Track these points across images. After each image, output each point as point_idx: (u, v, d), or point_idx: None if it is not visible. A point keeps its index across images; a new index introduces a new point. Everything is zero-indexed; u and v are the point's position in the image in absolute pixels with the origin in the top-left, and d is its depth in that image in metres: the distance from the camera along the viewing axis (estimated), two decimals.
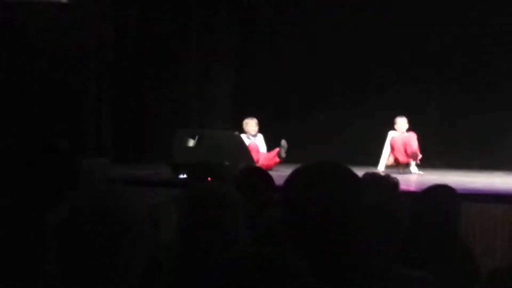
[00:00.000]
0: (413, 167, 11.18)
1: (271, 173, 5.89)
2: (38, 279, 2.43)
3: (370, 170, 10.60)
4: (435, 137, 12.40)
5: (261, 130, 11.31)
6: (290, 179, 2.10)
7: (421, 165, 11.24)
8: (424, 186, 3.97)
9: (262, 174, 4.78)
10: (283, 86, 13.35)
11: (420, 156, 10.97)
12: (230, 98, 13.95)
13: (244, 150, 9.45)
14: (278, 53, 13.51)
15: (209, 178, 5.07)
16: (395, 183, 2.45)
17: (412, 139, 11.05)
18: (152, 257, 2.74)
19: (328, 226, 1.95)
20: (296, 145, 12.29)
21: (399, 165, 11.10)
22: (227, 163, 8.81)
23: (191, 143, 9.43)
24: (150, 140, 12.47)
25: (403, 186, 8.47)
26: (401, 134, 11.15)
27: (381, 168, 11.01)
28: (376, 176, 2.48)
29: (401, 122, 11.20)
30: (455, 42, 12.85)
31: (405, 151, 10.99)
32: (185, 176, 8.58)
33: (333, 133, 13.00)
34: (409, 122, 11.25)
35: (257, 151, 10.74)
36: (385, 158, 11.17)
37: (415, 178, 10.62)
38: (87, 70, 11.32)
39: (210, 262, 2.59)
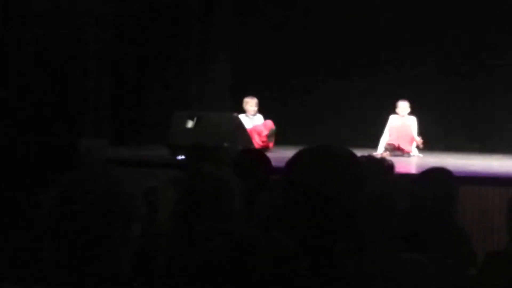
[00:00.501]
0: (413, 150, 11.14)
1: (269, 154, 5.88)
2: (31, 261, 2.42)
3: (368, 152, 10.73)
4: (435, 120, 12.38)
5: (260, 111, 11.28)
6: (292, 161, 2.07)
7: (420, 148, 11.22)
8: (423, 169, 3.96)
9: (259, 156, 4.77)
10: (283, 67, 13.29)
11: (421, 141, 10.94)
12: (229, 79, 13.91)
13: (243, 132, 9.44)
14: (278, 33, 13.46)
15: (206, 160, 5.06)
16: (390, 166, 2.44)
17: (412, 125, 11.03)
18: (148, 240, 2.74)
19: (327, 211, 1.93)
20: (296, 126, 12.31)
21: (399, 151, 11.04)
22: (225, 144, 8.81)
23: (190, 124, 9.42)
24: (149, 121, 12.44)
25: (401, 169, 8.52)
26: (401, 118, 11.12)
27: (379, 152, 10.98)
28: (371, 159, 2.46)
29: (402, 106, 11.16)
30: (457, 24, 12.79)
31: (404, 139, 10.95)
32: (182, 157, 8.57)
33: (333, 115, 12.98)
34: (411, 105, 11.23)
35: (259, 132, 10.74)
36: (384, 142, 11.13)
37: (414, 161, 10.60)
38: (86, 50, 11.28)
39: (206, 245, 2.58)
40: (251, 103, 11.14)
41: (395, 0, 12.92)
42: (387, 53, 12.96)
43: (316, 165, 1.99)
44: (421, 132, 11.15)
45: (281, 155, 9.65)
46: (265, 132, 10.78)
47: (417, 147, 11.15)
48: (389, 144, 11.02)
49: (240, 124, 9.62)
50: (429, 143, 11.60)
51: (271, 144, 10.78)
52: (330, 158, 2.02)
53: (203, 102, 12.89)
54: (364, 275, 2.01)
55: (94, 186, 1.99)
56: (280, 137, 11.22)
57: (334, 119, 12.91)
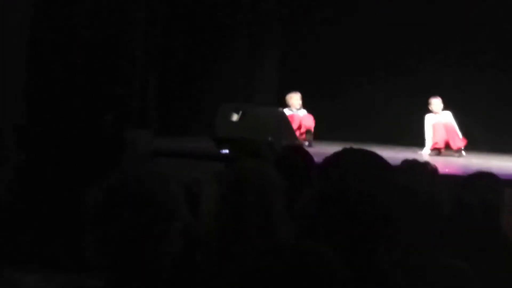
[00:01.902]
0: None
1: (312, 150, 5.86)
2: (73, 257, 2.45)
3: (409, 150, 10.71)
4: (481, 120, 12.24)
5: (304, 106, 11.32)
6: (330, 161, 2.10)
7: (466, 148, 11.11)
8: (467, 169, 3.93)
9: (302, 152, 4.74)
10: (328, 65, 13.29)
11: (465, 141, 10.83)
12: (277, 74, 13.93)
13: (288, 127, 9.43)
14: (324, 32, 13.46)
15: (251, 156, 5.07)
16: (433, 170, 2.41)
17: (452, 121, 10.93)
18: (191, 233, 2.74)
19: (363, 211, 1.93)
20: (338, 122, 12.32)
21: (449, 150, 10.94)
22: (270, 139, 8.81)
23: (235, 117, 9.43)
24: (195, 113, 12.50)
25: (445, 169, 8.43)
26: (437, 116, 11.02)
27: (425, 152, 10.94)
28: (414, 163, 2.45)
29: (436, 103, 11.04)
30: (501, 22, 12.62)
31: (448, 140, 10.85)
32: (227, 151, 8.60)
33: (372, 112, 12.99)
34: (453, 103, 11.12)
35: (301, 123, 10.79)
36: (429, 143, 11.04)
37: (457, 161, 10.49)
38: (135, 41, 11.36)
39: (247, 243, 2.59)
40: (295, 98, 11.19)
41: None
42: (432, 49, 12.89)
43: (354, 166, 2.01)
44: (465, 132, 11.04)
45: (321, 151, 9.65)
46: (304, 128, 10.83)
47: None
48: (434, 148, 10.95)
49: (285, 119, 9.62)
50: (474, 144, 11.50)
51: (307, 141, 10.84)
52: (369, 160, 2.04)
53: (250, 96, 12.92)
54: (408, 283, 2.01)
55: (139, 184, 2.01)
56: (321, 132, 11.24)
57: (373, 116, 12.88)
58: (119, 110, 9.69)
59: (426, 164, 2.41)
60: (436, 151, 10.91)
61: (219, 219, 2.88)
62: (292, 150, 4.79)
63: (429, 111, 11.12)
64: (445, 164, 9.57)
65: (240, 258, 2.32)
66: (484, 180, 3.82)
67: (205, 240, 2.90)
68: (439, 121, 10.95)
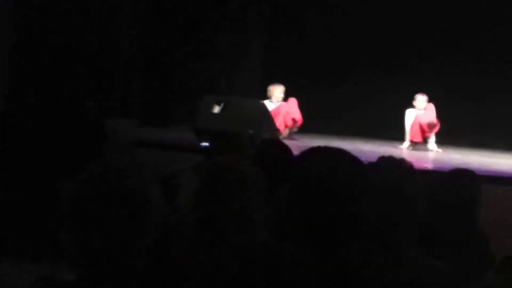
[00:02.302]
0: (432, 144, 11.13)
1: (292, 143, 5.87)
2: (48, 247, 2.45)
3: (390, 145, 10.79)
4: (461, 115, 12.32)
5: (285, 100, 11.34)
6: (300, 158, 2.13)
7: (445, 143, 11.18)
8: (445, 165, 3.95)
9: (281, 146, 4.74)
10: (313, 58, 13.31)
11: (438, 126, 10.91)
12: (260, 66, 13.94)
13: (269, 120, 9.44)
14: (310, 24, 13.48)
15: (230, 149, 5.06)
16: (410, 167, 2.43)
17: (428, 111, 11.01)
18: (167, 226, 2.75)
19: (330, 208, 1.96)
20: (321, 115, 12.36)
21: (417, 143, 11.06)
22: (251, 132, 8.82)
23: (217, 109, 9.43)
24: (177, 104, 12.49)
25: (423, 165, 8.48)
26: (417, 112, 11.12)
27: (404, 146, 11.06)
28: (390, 159, 2.46)
29: (420, 100, 11.16)
30: (487, 19, 12.72)
31: (421, 127, 10.96)
32: (206, 144, 8.59)
33: (356, 106, 13.01)
34: (435, 98, 11.19)
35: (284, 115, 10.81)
36: (407, 137, 11.16)
37: (432, 156, 10.57)
38: (118, 30, 11.32)
39: (223, 238, 2.59)
40: (279, 90, 11.19)
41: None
42: (418, 45, 12.95)
43: (322, 163, 2.03)
44: (446, 127, 11.12)
45: (304, 144, 9.67)
46: (292, 114, 10.86)
47: (437, 142, 11.12)
48: (411, 141, 11.04)
49: (266, 112, 9.63)
50: (455, 138, 11.57)
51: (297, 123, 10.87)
52: (338, 158, 2.07)
53: (233, 88, 12.90)
54: (383, 281, 2.02)
55: (115, 177, 2.01)
56: (304, 125, 11.27)
57: (358, 109, 12.92)
58: (101, 98, 9.66)
59: (402, 161, 2.42)
60: (413, 144, 11.02)
61: (195, 213, 2.89)
62: (271, 144, 4.79)
63: (412, 106, 11.16)
64: (424, 160, 9.65)
65: (215, 253, 2.34)
66: (461, 177, 3.84)
67: (181, 233, 2.91)
68: (417, 115, 11.02)
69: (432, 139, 11.12)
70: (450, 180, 3.77)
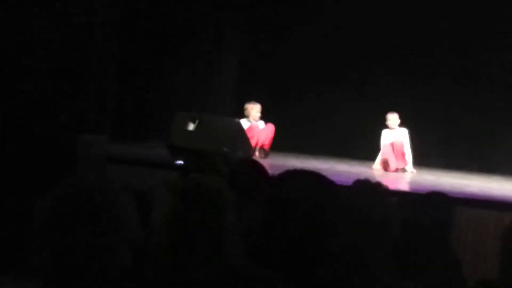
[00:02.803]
0: (409, 166, 11.14)
1: (266, 162, 5.86)
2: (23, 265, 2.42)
3: (363, 165, 10.84)
4: (434, 136, 12.40)
5: (262, 116, 11.36)
6: (277, 181, 2.12)
7: (418, 164, 11.22)
8: (419, 187, 3.96)
9: (257, 166, 4.73)
10: (288, 75, 13.37)
11: (405, 163, 10.97)
12: (234, 84, 13.97)
13: (244, 138, 9.42)
14: (280, 41, 13.54)
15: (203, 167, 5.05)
16: (386, 191, 2.43)
17: (404, 139, 11.08)
18: (141, 246, 2.73)
19: (304, 232, 1.95)
20: (295, 133, 12.39)
21: (392, 170, 11.07)
22: (225, 149, 8.80)
23: (191, 126, 9.40)
24: (150, 120, 12.45)
25: (396, 186, 8.50)
26: (392, 133, 11.15)
27: (376, 167, 11.12)
28: (367, 183, 2.46)
29: (393, 119, 11.18)
30: (457, 39, 12.87)
31: (396, 155, 10.98)
32: (181, 162, 8.56)
33: (330, 125, 13.08)
34: (409, 119, 11.24)
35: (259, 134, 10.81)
36: (379, 158, 11.20)
37: (408, 177, 10.59)
38: (92, 44, 11.28)
39: (197, 258, 2.58)
40: (256, 109, 11.19)
41: (391, 17, 12.94)
42: (390, 65, 13.03)
43: (298, 187, 2.03)
44: (419, 148, 11.16)
45: (277, 163, 9.68)
46: (265, 139, 10.86)
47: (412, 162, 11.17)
48: (383, 163, 11.09)
49: (241, 130, 9.63)
50: (427, 160, 11.63)
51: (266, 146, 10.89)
52: (313, 181, 2.06)
53: (206, 105, 12.90)
54: None
55: (88, 194, 1.99)
56: (278, 143, 11.28)
57: (332, 127, 12.97)
58: (74, 112, 9.59)
59: (378, 184, 2.42)
60: (384, 166, 11.07)
61: (169, 232, 2.87)
62: (246, 164, 4.77)
63: (386, 126, 11.21)
64: (397, 181, 9.68)
65: (189, 275, 2.32)
66: (434, 199, 3.85)
67: (155, 253, 2.88)
68: (390, 138, 11.05)
69: (409, 159, 11.14)
70: (423, 202, 3.78)
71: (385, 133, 11.22)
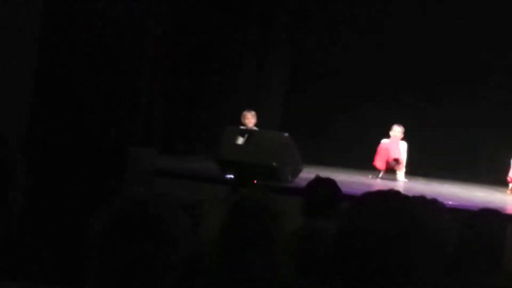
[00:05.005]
0: (400, 175, 11.26)
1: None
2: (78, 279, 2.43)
3: (370, 174, 10.96)
4: (435, 149, 12.54)
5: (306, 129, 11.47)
6: (354, 205, 2.01)
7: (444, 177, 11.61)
8: (469, 203, 3.88)
9: (332, 184, 4.66)
10: (329, 95, 13.52)
11: (401, 163, 11.02)
12: (282, 98, 14.02)
13: (293, 153, 9.36)
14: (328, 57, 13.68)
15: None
16: (442, 207, 2.36)
17: (397, 146, 11.18)
18: (192, 257, 2.71)
19: (380, 258, 1.87)
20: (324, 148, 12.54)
21: (382, 171, 11.24)
22: (274, 164, 8.77)
23: (240, 141, 9.39)
24: (199, 134, 12.51)
25: (447, 203, 8.48)
26: (390, 141, 11.26)
27: (375, 175, 11.42)
28: (425, 200, 2.40)
29: (396, 130, 11.28)
30: (452, 54, 13.02)
31: (387, 158, 11.06)
32: (231, 177, 8.55)
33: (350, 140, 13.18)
34: (412, 132, 11.45)
35: None
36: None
37: (400, 186, 10.62)
38: (142, 59, 11.37)
39: (248, 273, 2.56)
40: (247, 116, 11.15)
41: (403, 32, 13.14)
42: (390, 80, 13.28)
43: (377, 209, 1.93)
44: (427, 161, 11.70)
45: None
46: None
47: (406, 172, 11.36)
48: (378, 169, 11.29)
49: (290, 144, 9.56)
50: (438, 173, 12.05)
51: None
52: (392, 201, 1.97)
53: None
54: None
55: (145, 210, 1.98)
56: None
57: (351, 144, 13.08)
58: (123, 126, 9.66)
59: (434, 201, 2.37)
60: (378, 172, 11.31)
61: (221, 246, 2.86)
62: (320, 181, 4.71)
63: (388, 136, 11.31)
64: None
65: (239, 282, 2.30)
66: (488, 216, 3.78)
67: (205, 266, 2.87)
68: (386, 144, 11.19)
69: (401, 170, 11.28)
70: (477, 219, 3.71)
71: (383, 142, 11.35)
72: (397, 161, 11.05)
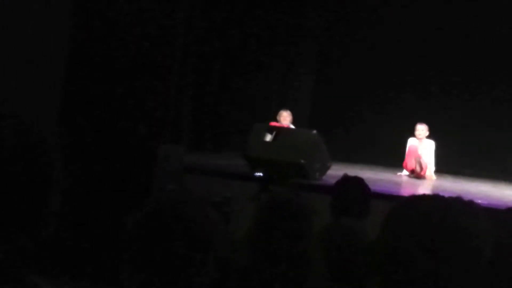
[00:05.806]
0: (428, 173, 11.19)
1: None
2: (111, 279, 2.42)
3: (396, 172, 10.97)
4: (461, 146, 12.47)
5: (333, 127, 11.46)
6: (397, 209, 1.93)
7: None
8: (441, 192, 3.77)
9: (360, 183, 4.63)
10: (356, 93, 13.54)
11: (425, 166, 10.95)
12: (310, 94, 14.02)
13: (321, 150, 9.32)
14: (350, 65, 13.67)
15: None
16: (479, 209, 2.29)
17: (429, 150, 11.12)
18: (225, 261, 2.70)
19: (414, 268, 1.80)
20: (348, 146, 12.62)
21: (412, 173, 11.15)
22: (302, 161, 8.74)
23: (268, 138, 9.37)
24: (228, 131, 12.52)
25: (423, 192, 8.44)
26: (419, 142, 11.18)
27: (403, 173, 11.32)
28: (461, 201, 2.33)
29: (420, 129, 11.20)
30: (487, 49, 12.85)
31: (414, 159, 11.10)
32: (260, 174, 8.53)
33: (372, 138, 13.24)
34: (436, 130, 11.32)
35: None
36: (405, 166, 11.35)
37: (428, 184, 10.59)
38: (171, 56, 11.37)
39: (279, 267, 2.54)
40: (284, 116, 11.30)
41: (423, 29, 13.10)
42: (419, 78, 13.23)
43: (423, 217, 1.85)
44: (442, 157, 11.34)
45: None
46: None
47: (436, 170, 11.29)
48: (407, 169, 11.22)
49: (318, 142, 9.53)
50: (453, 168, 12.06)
51: None
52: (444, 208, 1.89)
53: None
54: None
55: (179, 211, 1.97)
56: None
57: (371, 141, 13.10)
58: (153, 123, 9.69)
59: (471, 203, 2.29)
60: (408, 173, 11.22)
61: (253, 244, 2.84)
62: (348, 181, 4.68)
63: (414, 135, 11.25)
64: (416, 187, 9.84)
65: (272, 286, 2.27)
66: None
67: (236, 265, 2.85)
68: (413, 146, 11.11)
69: (431, 168, 11.19)
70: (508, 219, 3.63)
71: (410, 141, 11.27)
72: (420, 166, 10.98)
